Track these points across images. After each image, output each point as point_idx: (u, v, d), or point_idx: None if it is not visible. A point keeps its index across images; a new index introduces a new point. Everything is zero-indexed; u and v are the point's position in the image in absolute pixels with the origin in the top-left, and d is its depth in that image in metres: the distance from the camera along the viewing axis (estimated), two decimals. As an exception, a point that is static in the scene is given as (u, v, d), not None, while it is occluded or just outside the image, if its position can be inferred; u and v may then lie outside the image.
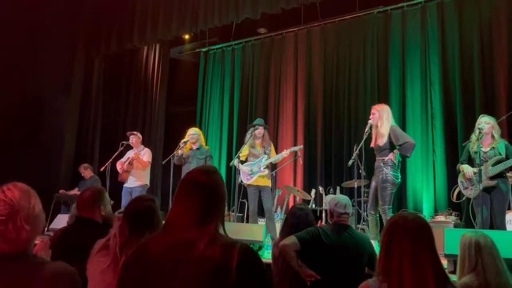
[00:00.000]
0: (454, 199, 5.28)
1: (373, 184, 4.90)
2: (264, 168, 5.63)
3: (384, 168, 4.72)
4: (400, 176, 4.82)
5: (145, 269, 1.34)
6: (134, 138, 6.72)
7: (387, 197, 4.66)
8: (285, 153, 5.78)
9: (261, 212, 5.90)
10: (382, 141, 4.80)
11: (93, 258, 2.10)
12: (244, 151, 5.89)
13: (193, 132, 6.26)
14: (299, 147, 6.29)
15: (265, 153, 5.72)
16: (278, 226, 5.35)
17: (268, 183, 5.71)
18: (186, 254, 1.30)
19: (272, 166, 6.15)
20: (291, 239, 3.00)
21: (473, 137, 4.57)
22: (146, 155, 6.66)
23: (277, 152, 6.17)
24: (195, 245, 1.30)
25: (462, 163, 4.73)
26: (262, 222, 6.22)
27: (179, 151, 6.04)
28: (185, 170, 6.20)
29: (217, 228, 1.40)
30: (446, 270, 3.44)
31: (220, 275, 1.26)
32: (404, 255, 1.58)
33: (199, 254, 1.28)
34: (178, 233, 1.36)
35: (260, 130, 5.77)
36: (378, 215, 4.79)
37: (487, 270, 2.35)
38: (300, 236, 3.00)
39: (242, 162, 5.84)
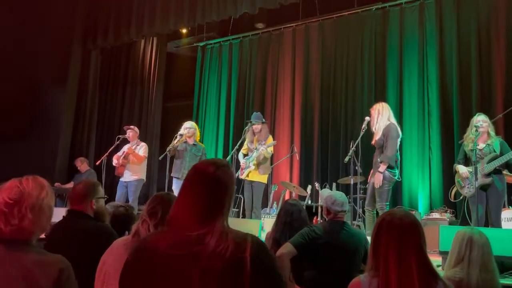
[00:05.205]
0: (452, 198, 5.30)
1: (370, 180, 4.92)
2: (252, 164, 5.60)
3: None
4: (397, 173, 4.83)
5: (151, 267, 1.29)
6: (131, 132, 6.70)
7: (383, 194, 4.68)
8: (260, 150, 5.59)
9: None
10: (378, 137, 4.85)
11: (118, 250, 2.00)
12: (245, 146, 5.91)
13: (189, 125, 6.21)
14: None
15: (256, 148, 5.67)
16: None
17: (260, 178, 5.66)
18: (196, 250, 1.26)
19: (270, 161, 6.10)
20: (287, 247, 2.94)
21: (469, 135, 4.59)
22: (142, 149, 6.63)
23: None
24: (205, 240, 1.28)
25: (458, 163, 4.76)
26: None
27: (174, 142, 6.01)
28: (178, 164, 6.15)
29: (226, 222, 1.37)
30: (440, 267, 3.42)
31: (234, 269, 1.25)
32: (389, 252, 1.60)
33: (211, 249, 1.26)
34: (185, 228, 1.31)
35: (257, 126, 5.74)
36: (375, 211, 4.80)
37: (472, 265, 2.32)
38: (296, 242, 2.97)
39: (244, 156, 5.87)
